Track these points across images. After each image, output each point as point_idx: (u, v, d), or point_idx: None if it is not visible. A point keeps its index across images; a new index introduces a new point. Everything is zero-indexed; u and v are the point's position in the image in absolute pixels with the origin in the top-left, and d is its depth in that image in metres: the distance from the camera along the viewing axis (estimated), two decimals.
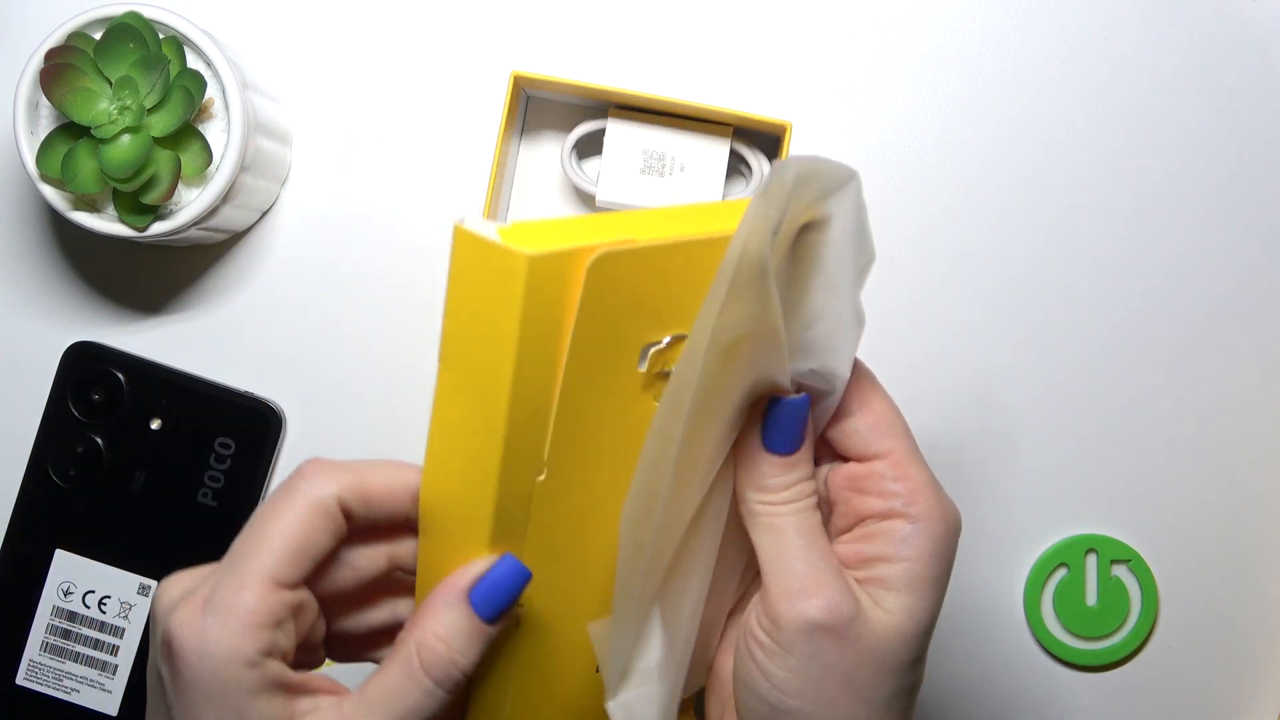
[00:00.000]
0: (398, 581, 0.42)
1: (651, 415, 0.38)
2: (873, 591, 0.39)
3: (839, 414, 0.40)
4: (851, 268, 0.39)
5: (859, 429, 0.40)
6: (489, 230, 0.36)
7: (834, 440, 0.40)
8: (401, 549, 0.40)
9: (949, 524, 0.39)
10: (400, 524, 0.39)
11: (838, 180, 0.38)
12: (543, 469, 0.38)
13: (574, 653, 0.42)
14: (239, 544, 0.37)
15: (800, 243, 0.38)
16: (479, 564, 0.38)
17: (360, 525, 0.38)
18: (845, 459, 0.40)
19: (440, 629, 0.37)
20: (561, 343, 0.37)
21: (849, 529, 0.40)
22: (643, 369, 0.39)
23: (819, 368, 0.39)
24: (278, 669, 0.36)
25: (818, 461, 0.41)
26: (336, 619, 0.41)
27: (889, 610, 0.38)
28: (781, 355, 0.38)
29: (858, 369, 0.40)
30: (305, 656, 0.40)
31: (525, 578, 0.38)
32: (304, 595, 0.38)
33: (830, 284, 0.38)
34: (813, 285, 0.39)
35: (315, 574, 0.38)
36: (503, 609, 0.37)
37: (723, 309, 0.36)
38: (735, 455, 0.40)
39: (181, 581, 0.38)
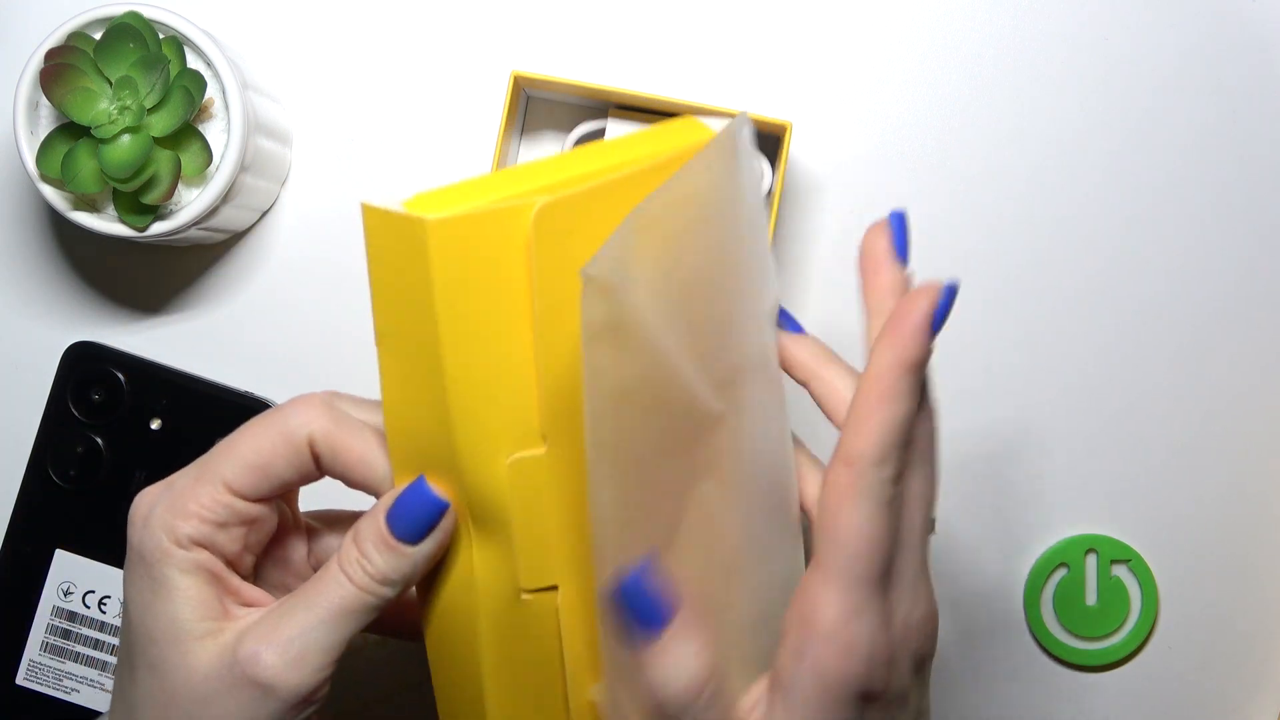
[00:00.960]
0: None
1: None
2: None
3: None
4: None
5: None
6: (394, 203, 0.36)
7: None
8: None
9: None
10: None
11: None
12: (539, 443, 0.38)
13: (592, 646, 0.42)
14: (213, 449, 0.40)
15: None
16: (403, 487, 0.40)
17: (332, 474, 0.41)
18: None
19: (359, 533, 0.39)
20: (509, 307, 0.37)
21: None
22: None
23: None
24: (209, 559, 0.39)
25: None
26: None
27: None
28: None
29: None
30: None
31: (433, 504, 0.39)
32: (259, 511, 0.40)
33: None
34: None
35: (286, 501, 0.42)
36: (410, 529, 0.39)
37: None
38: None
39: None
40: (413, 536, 0.39)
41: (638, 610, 0.36)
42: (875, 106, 0.59)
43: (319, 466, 0.40)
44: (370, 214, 0.37)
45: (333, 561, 0.39)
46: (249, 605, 0.40)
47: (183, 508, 0.39)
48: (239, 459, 0.39)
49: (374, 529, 0.39)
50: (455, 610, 0.40)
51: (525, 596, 0.40)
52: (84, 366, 0.57)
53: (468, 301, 0.37)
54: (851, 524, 0.36)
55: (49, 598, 0.57)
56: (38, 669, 0.57)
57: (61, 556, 0.57)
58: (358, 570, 0.39)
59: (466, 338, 0.37)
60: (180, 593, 0.38)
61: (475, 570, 0.40)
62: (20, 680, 0.57)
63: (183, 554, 0.39)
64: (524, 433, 0.38)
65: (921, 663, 0.39)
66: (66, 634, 0.57)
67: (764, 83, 0.59)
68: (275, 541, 0.43)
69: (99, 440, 0.57)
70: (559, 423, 0.38)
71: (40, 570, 0.57)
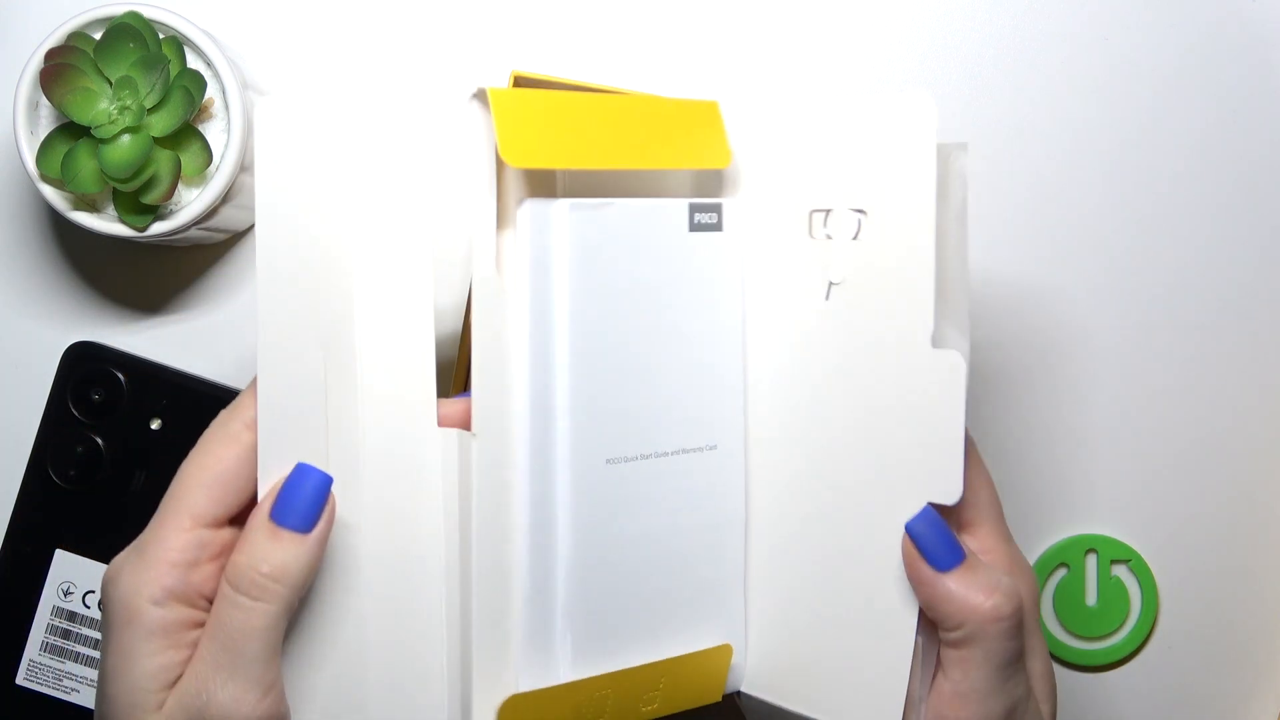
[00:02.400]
0: None
1: None
2: None
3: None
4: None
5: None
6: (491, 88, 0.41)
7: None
8: None
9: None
10: None
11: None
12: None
13: None
14: (166, 493, 0.39)
15: None
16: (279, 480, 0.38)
17: None
18: None
19: (242, 545, 0.38)
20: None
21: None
22: None
23: None
24: (186, 614, 0.37)
25: None
26: None
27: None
28: None
29: None
30: None
31: (313, 478, 0.38)
32: (231, 536, 0.38)
33: None
34: None
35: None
36: (298, 514, 0.37)
37: None
38: None
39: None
40: (297, 519, 0.38)
41: (930, 551, 0.41)
42: None
43: None
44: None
45: (224, 587, 0.38)
46: None
47: (151, 560, 0.38)
48: (193, 483, 0.38)
49: (256, 531, 0.38)
50: None
51: None
52: (84, 366, 0.57)
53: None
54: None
55: (49, 598, 0.57)
56: (38, 669, 0.57)
57: (61, 556, 0.57)
58: (256, 580, 0.37)
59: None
60: (141, 660, 0.37)
61: None
62: (20, 680, 0.57)
63: (158, 617, 0.37)
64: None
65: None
66: (66, 634, 0.57)
67: (764, 83, 0.59)
68: None
69: (99, 440, 0.57)
70: None
71: (40, 570, 0.57)
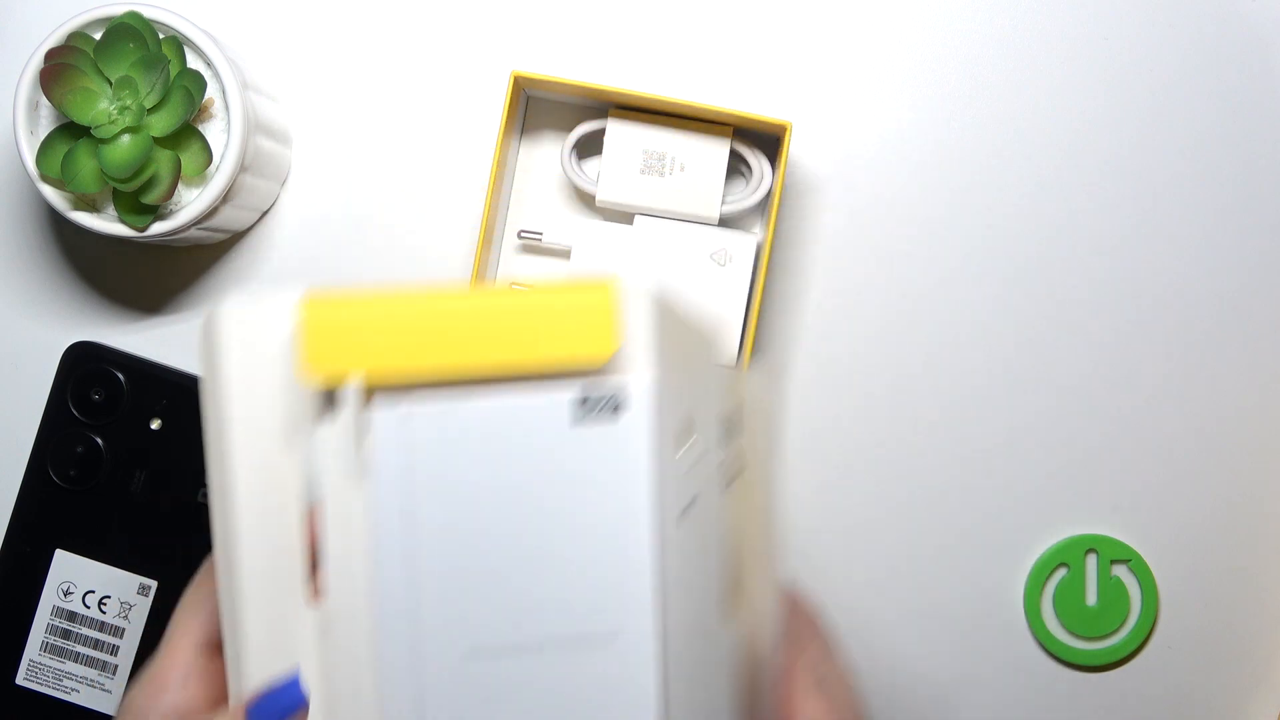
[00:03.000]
0: None
1: None
2: None
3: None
4: None
5: None
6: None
7: None
8: None
9: None
10: None
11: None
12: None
13: None
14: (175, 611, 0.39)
15: None
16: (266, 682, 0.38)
17: None
18: None
19: None
20: None
21: None
22: None
23: None
24: None
25: None
26: None
27: None
28: None
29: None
30: None
31: (293, 697, 0.37)
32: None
33: None
34: None
35: None
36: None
37: None
38: None
39: None
40: None
41: None
42: (875, 106, 0.59)
43: None
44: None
45: None
46: None
47: (158, 683, 0.38)
48: (190, 608, 0.39)
49: None
50: None
51: None
52: (84, 366, 0.57)
53: None
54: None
55: (49, 598, 0.57)
56: (38, 669, 0.57)
57: (61, 556, 0.57)
58: None
59: None
60: None
61: None
62: (20, 680, 0.57)
63: None
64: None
65: None
66: (66, 634, 0.57)
67: (764, 83, 0.59)
68: None
69: (99, 440, 0.57)
70: None
71: (40, 570, 0.57)
